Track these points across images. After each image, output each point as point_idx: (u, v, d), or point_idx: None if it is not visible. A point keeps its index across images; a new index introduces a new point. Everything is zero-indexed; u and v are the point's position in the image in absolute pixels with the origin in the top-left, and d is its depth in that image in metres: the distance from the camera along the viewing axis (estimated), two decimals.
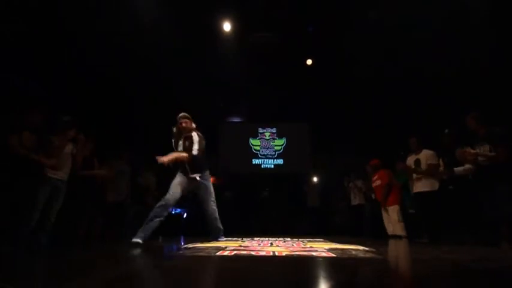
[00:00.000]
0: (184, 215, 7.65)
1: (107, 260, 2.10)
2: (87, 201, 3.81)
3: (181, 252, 2.18)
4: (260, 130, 8.69)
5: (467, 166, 3.33)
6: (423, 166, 3.99)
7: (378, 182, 4.86)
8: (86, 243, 3.65)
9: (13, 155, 2.89)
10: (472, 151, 3.13)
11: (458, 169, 3.46)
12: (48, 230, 3.09)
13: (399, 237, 4.37)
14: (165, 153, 2.78)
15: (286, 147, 8.53)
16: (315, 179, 7.99)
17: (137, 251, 2.36)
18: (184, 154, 2.91)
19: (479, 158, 3.10)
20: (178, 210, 8.17)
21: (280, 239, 3.86)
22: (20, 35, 4.13)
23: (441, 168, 3.90)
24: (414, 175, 4.08)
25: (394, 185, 4.70)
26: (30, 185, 2.97)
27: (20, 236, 2.79)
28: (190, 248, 2.38)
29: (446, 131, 4.12)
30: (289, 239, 3.85)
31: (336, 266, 1.57)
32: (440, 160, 3.94)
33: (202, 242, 2.95)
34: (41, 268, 1.72)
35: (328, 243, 2.92)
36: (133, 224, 4.92)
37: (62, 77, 4.97)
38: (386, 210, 4.68)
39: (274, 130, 8.69)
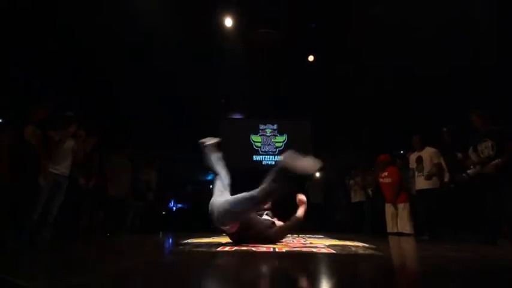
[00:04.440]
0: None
1: (109, 254, 2.12)
2: (88, 195, 3.83)
3: (181, 247, 2.19)
4: (261, 126, 8.67)
5: (477, 168, 3.27)
6: (425, 163, 3.98)
7: (388, 180, 4.74)
8: (87, 238, 3.68)
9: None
10: (474, 161, 3.17)
11: (470, 172, 3.41)
12: (50, 224, 3.11)
13: (406, 234, 4.35)
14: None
15: (287, 144, 8.52)
16: (318, 176, 7.99)
17: (138, 246, 2.37)
18: None
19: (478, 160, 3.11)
20: (180, 205, 8.21)
21: None
22: (23, 32, 4.12)
23: (444, 166, 3.90)
24: (416, 172, 4.08)
25: (404, 182, 4.65)
26: (32, 180, 2.98)
27: (22, 230, 2.81)
28: (190, 243, 2.39)
29: (445, 129, 4.13)
30: (289, 235, 3.86)
31: (335, 262, 1.57)
32: (441, 158, 3.94)
33: (202, 237, 2.96)
34: (43, 263, 1.73)
35: (328, 240, 2.92)
36: (134, 218, 4.98)
37: (64, 73, 4.97)
38: (396, 208, 4.63)
39: (275, 127, 8.67)
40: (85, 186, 3.71)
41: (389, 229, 4.64)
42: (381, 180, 4.86)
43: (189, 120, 7.43)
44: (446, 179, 3.86)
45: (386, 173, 4.80)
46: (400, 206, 4.57)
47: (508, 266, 1.60)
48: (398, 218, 4.56)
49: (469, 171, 3.38)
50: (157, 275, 1.20)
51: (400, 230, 4.48)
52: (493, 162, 2.96)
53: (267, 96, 7.53)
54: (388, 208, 4.73)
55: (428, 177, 3.91)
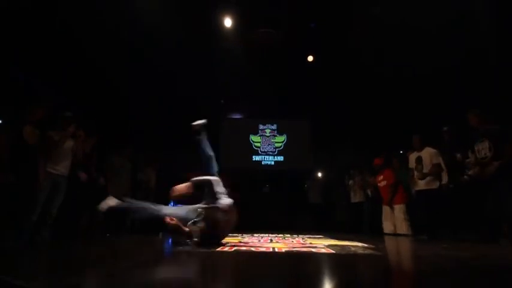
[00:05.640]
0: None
1: (109, 254, 2.12)
2: (87, 196, 3.82)
3: (181, 247, 2.19)
4: (261, 127, 8.66)
5: (476, 168, 3.26)
6: (425, 164, 3.98)
7: (384, 183, 4.82)
8: (87, 238, 3.68)
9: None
10: (472, 161, 3.18)
11: (472, 173, 3.40)
12: (50, 224, 3.11)
13: (402, 235, 4.37)
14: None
15: (287, 144, 8.52)
16: (317, 176, 7.99)
17: (138, 246, 2.37)
18: None
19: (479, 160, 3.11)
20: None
21: (280, 235, 3.88)
22: (23, 32, 4.12)
23: (443, 167, 3.90)
24: (415, 172, 4.08)
25: (400, 183, 4.69)
26: (31, 181, 2.97)
27: (22, 230, 2.81)
28: (190, 243, 2.39)
29: (445, 128, 4.13)
30: (289, 235, 3.87)
31: (335, 262, 1.58)
32: (440, 159, 3.94)
33: None
34: (43, 263, 1.73)
35: (328, 240, 2.93)
36: (134, 219, 4.96)
37: (64, 73, 4.96)
38: (392, 209, 4.69)
39: (274, 127, 8.67)
40: (85, 181, 3.72)
41: (385, 230, 4.70)
42: (378, 184, 4.97)
43: (189, 120, 7.41)
44: (444, 181, 3.85)
45: (381, 177, 4.90)
46: (396, 207, 4.63)
47: (508, 266, 1.61)
48: (395, 219, 4.59)
49: (470, 173, 3.37)
50: (157, 275, 1.20)
51: (397, 231, 4.52)
52: (492, 165, 2.97)
53: (267, 96, 7.52)
54: (385, 209, 4.82)
55: (422, 177, 3.92)
